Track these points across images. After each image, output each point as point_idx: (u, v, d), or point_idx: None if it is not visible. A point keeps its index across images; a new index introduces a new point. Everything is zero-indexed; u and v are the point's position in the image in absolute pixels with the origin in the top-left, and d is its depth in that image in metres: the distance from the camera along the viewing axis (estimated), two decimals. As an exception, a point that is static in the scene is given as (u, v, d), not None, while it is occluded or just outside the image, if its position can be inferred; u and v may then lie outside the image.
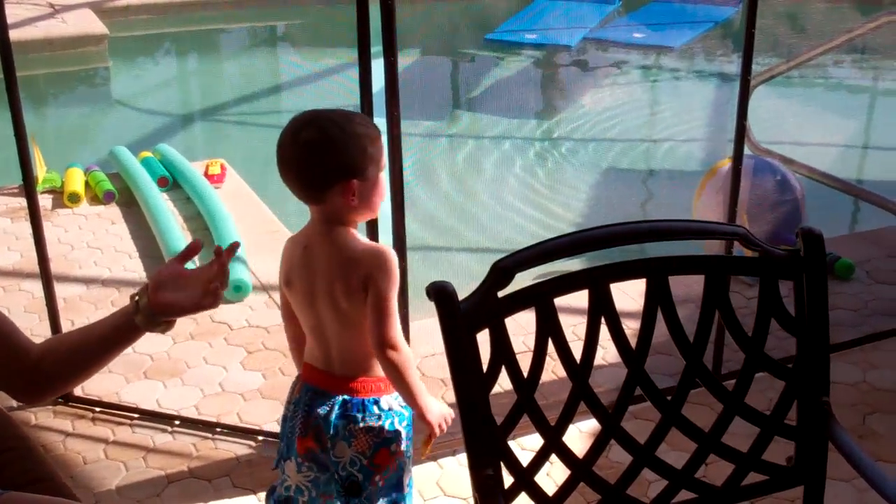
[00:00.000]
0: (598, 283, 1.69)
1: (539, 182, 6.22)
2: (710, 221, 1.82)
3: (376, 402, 2.05)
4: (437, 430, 2.06)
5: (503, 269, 1.62)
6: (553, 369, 3.27)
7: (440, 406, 2.08)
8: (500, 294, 1.64)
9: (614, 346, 1.70)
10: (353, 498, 2.07)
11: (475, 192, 5.91)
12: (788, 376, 1.80)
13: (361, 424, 2.03)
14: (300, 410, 2.07)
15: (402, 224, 2.69)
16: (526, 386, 1.65)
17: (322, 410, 2.04)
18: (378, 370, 2.04)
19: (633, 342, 1.71)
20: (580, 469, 1.71)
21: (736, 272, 1.78)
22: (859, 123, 7.07)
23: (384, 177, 2.01)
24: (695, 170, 6.22)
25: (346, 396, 2.04)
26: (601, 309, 1.69)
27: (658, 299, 1.72)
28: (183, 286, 1.69)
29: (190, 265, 1.75)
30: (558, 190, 6.05)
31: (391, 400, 2.07)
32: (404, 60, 8.92)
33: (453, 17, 10.96)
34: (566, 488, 1.70)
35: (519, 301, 1.64)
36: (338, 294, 1.97)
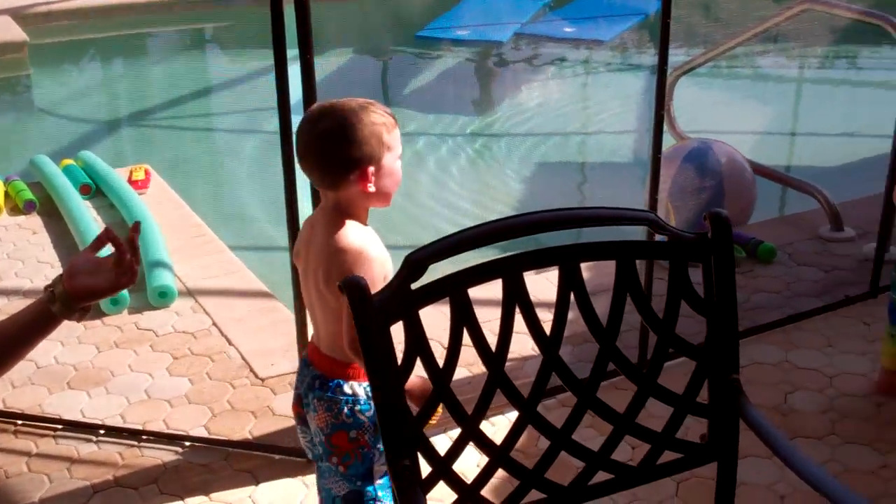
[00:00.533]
0: (511, 271, 1.71)
1: (474, 177, 6.25)
2: (620, 207, 1.84)
3: (339, 385, 2.09)
4: (417, 403, 1.89)
5: (415, 262, 1.63)
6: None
7: (420, 384, 1.96)
8: (414, 286, 1.65)
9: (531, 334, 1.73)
10: (319, 462, 2.20)
11: (409, 190, 5.93)
12: (699, 356, 1.84)
13: (322, 401, 2.10)
14: (297, 378, 2.22)
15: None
16: (442, 376, 1.67)
17: (303, 380, 2.17)
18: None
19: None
20: (499, 456, 1.73)
21: (646, 256, 1.82)
22: (779, 110, 7.21)
23: (399, 165, 2.06)
24: (627, 160, 6.30)
25: (320, 372, 2.12)
26: (515, 297, 1.71)
27: (571, 286, 1.74)
28: (97, 271, 1.70)
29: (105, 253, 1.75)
30: (493, 185, 6.09)
31: (357, 387, 2.10)
32: (336, 60, 8.91)
33: (385, 15, 10.96)
34: (484, 476, 1.72)
35: (433, 293, 1.65)
36: (320, 278, 2.04)
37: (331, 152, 1.98)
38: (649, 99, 5.66)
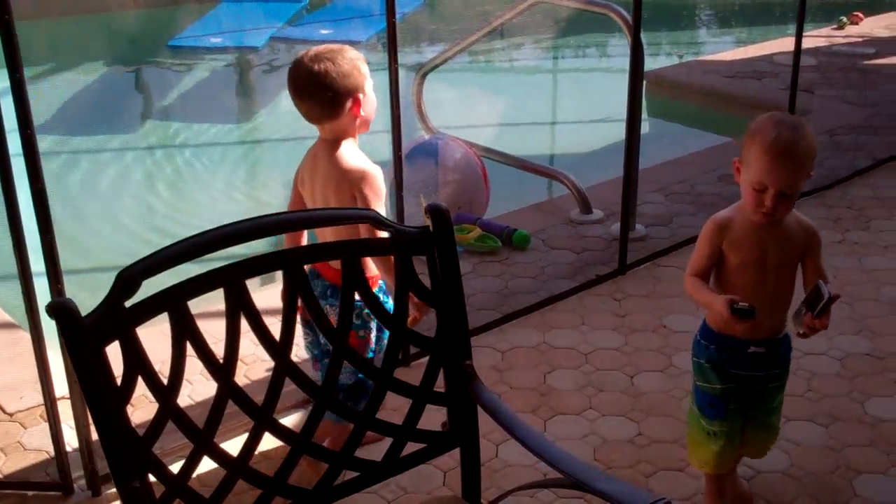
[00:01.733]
0: (232, 280, 1.68)
1: (234, 184, 6.15)
2: (344, 208, 1.86)
3: None
4: (417, 315, 2.30)
5: (127, 279, 1.58)
6: (246, 373, 3.23)
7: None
8: (130, 303, 1.60)
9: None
10: (322, 359, 2.63)
11: (161, 201, 5.79)
12: (431, 346, 1.88)
13: (332, 307, 2.45)
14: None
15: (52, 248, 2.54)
16: (166, 393, 1.62)
17: (314, 289, 2.27)
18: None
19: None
20: (236, 468, 1.70)
21: (370, 253, 1.83)
22: (526, 102, 7.50)
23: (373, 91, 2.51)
24: (379, 159, 6.33)
25: (330, 282, 2.52)
26: (239, 306, 1.69)
27: (297, 288, 1.74)
28: None
29: None
30: (251, 192, 6.01)
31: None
32: (83, 77, 8.50)
33: (134, 26, 10.61)
34: (222, 489, 1.69)
35: (149, 309, 1.61)
36: (329, 197, 2.47)
37: (329, 87, 2.42)
38: (406, 97, 5.78)
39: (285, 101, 8.04)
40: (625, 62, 3.94)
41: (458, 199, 4.27)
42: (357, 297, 2.18)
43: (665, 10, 11.23)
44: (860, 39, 7.67)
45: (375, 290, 2.50)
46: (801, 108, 5.89)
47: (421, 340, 1.87)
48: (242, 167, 6.62)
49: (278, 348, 1.72)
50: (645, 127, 6.90)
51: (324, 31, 9.93)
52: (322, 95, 2.43)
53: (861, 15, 8.20)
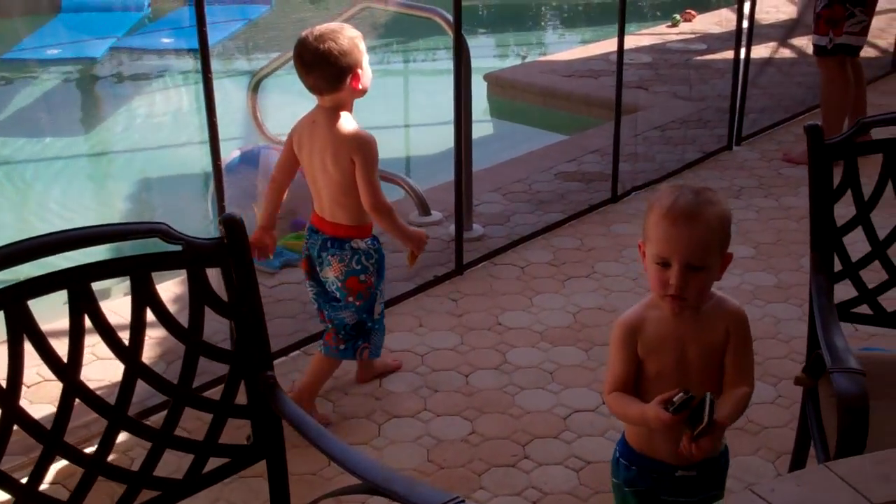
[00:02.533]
0: (13, 301, 1.63)
1: (72, 199, 5.97)
2: (130, 222, 1.81)
3: (348, 242, 2.88)
4: (416, 251, 3.04)
5: None
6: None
7: (419, 234, 3.03)
8: None
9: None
10: (335, 302, 2.97)
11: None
12: (231, 359, 1.85)
13: (334, 256, 2.89)
14: (306, 244, 2.99)
15: None
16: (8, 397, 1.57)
17: (313, 242, 2.94)
18: (356, 220, 2.88)
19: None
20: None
21: (160, 268, 1.78)
22: (362, 107, 7.49)
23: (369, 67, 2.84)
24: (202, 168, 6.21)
25: (329, 235, 2.89)
26: (21, 327, 1.63)
27: (82, 303, 1.69)
28: None
29: None
30: (88, 204, 5.84)
31: (363, 243, 2.91)
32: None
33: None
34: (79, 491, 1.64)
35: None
36: (328, 161, 2.81)
37: (333, 64, 2.73)
38: (242, 106, 5.71)
39: (126, 112, 7.97)
40: (449, 64, 3.97)
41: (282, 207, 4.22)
42: (352, 245, 2.89)
43: (512, 12, 11.42)
44: (693, 36, 7.94)
45: (369, 239, 2.94)
46: (634, 105, 6.09)
47: (219, 353, 1.84)
48: (82, 180, 6.42)
49: (64, 368, 1.67)
50: (487, 128, 7.04)
51: (165, 41, 9.73)
52: (326, 71, 2.75)
53: (694, 12, 8.49)
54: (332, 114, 2.82)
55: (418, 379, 3.33)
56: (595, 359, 3.43)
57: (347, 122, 2.83)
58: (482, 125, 6.91)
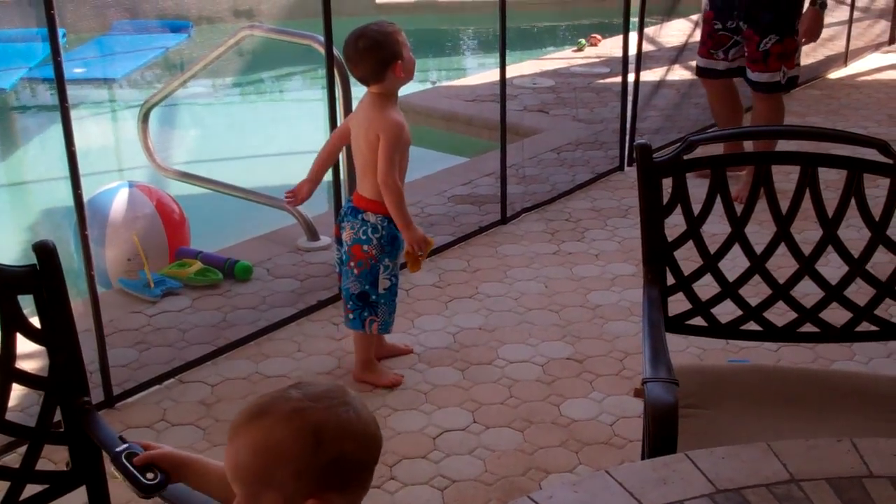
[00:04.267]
0: None
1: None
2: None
3: (362, 213, 3.21)
4: (409, 248, 3.23)
5: None
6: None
7: (418, 234, 3.22)
8: None
9: None
10: (340, 268, 3.34)
11: None
12: (45, 386, 1.86)
13: (348, 222, 3.26)
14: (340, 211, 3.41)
15: None
16: None
17: (345, 211, 3.32)
18: (374, 195, 3.18)
19: None
20: None
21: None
22: (249, 133, 7.60)
23: (411, 55, 3.14)
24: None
25: (353, 205, 3.26)
26: None
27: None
28: None
29: None
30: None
31: (373, 217, 3.21)
32: None
33: None
34: None
35: None
36: (361, 140, 3.16)
37: (374, 58, 3.07)
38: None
39: (38, 141, 7.90)
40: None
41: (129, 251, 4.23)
42: (364, 217, 3.21)
43: (428, 38, 11.53)
44: (597, 60, 8.09)
45: (380, 215, 3.20)
46: (533, 128, 6.19)
47: (33, 380, 1.85)
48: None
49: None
50: (392, 152, 7.08)
51: (77, 70, 9.66)
52: (367, 67, 3.09)
53: (599, 37, 8.65)
54: (376, 98, 3.14)
55: (293, 403, 3.33)
56: (470, 378, 3.48)
57: (382, 107, 3.13)
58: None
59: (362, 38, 3.08)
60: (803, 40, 4.77)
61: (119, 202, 4.22)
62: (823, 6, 4.69)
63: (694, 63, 7.70)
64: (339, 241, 3.35)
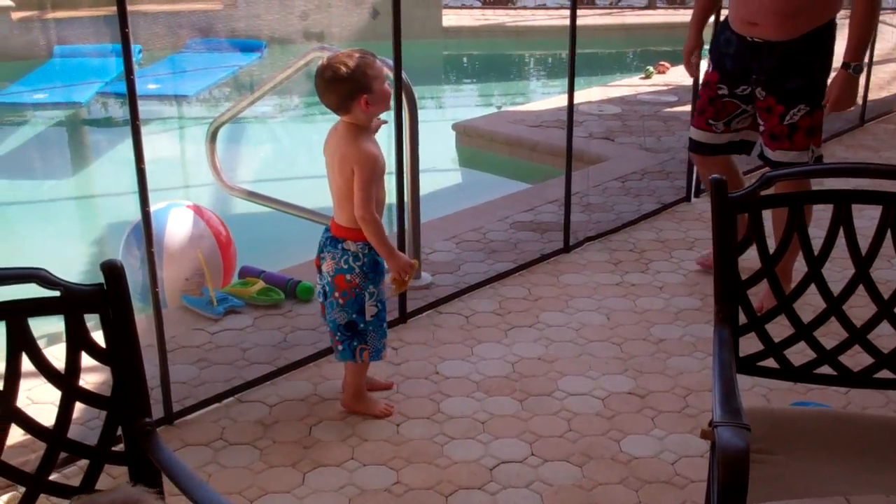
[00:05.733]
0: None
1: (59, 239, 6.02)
2: (9, 267, 1.83)
3: (342, 242, 3.15)
4: (396, 276, 3.20)
5: None
6: None
7: (401, 261, 3.20)
8: None
9: None
10: (325, 300, 3.26)
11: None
12: (108, 405, 1.86)
13: (328, 252, 3.19)
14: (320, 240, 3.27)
15: None
16: None
17: (323, 241, 3.24)
18: (353, 223, 3.11)
19: None
20: None
21: (37, 313, 1.80)
22: (315, 154, 7.60)
23: (386, 85, 3.09)
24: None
25: (331, 235, 3.20)
26: None
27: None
28: None
29: None
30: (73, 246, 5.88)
31: (353, 245, 3.15)
32: None
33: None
34: None
35: None
36: (335, 168, 3.11)
37: (337, 91, 3.01)
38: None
39: (109, 156, 8.04)
40: (427, 114, 4.03)
41: (186, 271, 4.27)
42: (344, 246, 3.15)
43: (494, 63, 11.54)
44: (665, 88, 8.02)
45: (360, 243, 3.15)
46: (598, 156, 6.14)
47: (96, 399, 1.85)
48: (67, 221, 6.48)
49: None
50: (456, 176, 7.10)
51: (151, 86, 9.84)
52: (332, 98, 3.04)
53: (667, 64, 8.57)
54: (349, 127, 3.09)
55: (348, 428, 3.31)
56: (528, 409, 3.43)
57: (358, 136, 3.08)
58: (449, 174, 6.98)
59: (328, 69, 3.02)
60: (828, 110, 3.81)
61: (172, 222, 4.26)
62: (858, 70, 3.70)
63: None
64: (319, 271, 3.30)
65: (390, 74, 3.73)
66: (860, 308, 2.44)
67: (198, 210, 4.43)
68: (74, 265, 5.17)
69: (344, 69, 2.99)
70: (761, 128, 3.92)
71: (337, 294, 3.19)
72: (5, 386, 1.75)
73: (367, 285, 3.20)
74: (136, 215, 3.97)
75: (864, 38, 3.62)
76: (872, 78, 7.00)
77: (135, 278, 3.94)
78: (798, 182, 3.57)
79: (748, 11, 3.74)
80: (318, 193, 6.27)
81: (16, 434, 1.78)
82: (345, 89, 3.00)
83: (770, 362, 2.44)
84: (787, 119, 3.80)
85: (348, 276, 3.17)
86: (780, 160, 3.85)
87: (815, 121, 3.81)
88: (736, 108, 4.01)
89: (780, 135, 3.83)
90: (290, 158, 7.75)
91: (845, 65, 3.68)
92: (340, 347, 3.26)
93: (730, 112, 4.02)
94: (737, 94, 3.96)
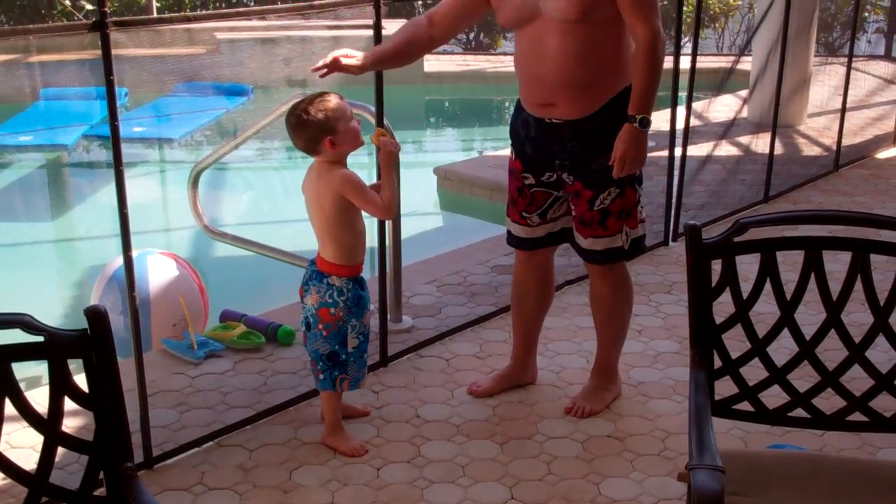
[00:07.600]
0: None
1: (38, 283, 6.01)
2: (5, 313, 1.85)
3: (327, 277, 3.28)
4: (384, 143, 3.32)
5: None
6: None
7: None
8: None
9: None
10: (308, 331, 3.37)
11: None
12: (90, 450, 1.87)
13: (313, 286, 3.32)
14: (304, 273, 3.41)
15: None
16: None
17: (308, 274, 3.36)
18: (338, 259, 3.28)
19: None
20: None
21: (21, 358, 1.82)
22: (296, 198, 7.68)
23: (354, 123, 3.21)
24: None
25: (316, 268, 3.33)
26: None
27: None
28: None
29: None
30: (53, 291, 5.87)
31: (338, 280, 3.28)
32: None
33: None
34: None
35: None
36: (316, 207, 3.26)
37: (302, 136, 3.16)
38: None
39: (92, 200, 8.06)
40: (409, 158, 4.08)
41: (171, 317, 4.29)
42: (329, 281, 3.28)
43: (475, 107, 11.64)
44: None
45: (345, 278, 3.29)
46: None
47: (79, 444, 1.86)
48: (49, 265, 6.48)
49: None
50: (437, 220, 7.14)
51: (136, 129, 9.88)
52: (299, 143, 3.19)
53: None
54: (323, 165, 3.23)
55: (328, 472, 3.32)
56: (508, 453, 3.44)
57: (332, 171, 3.21)
58: (430, 218, 7.03)
59: (292, 116, 3.17)
60: (615, 171, 3.27)
61: (152, 268, 4.30)
62: (644, 124, 3.21)
63: (746, 138, 7.67)
64: (302, 301, 3.41)
65: (365, 114, 3.79)
66: (835, 351, 2.48)
67: (173, 257, 4.47)
68: (54, 308, 5.17)
69: (304, 115, 3.13)
70: (573, 212, 3.53)
71: (321, 326, 3.30)
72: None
73: (350, 318, 3.31)
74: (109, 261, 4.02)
75: (646, 87, 3.16)
76: (846, 124, 7.11)
77: (116, 325, 3.95)
78: (612, 268, 3.59)
79: (540, 93, 3.34)
80: (299, 236, 6.35)
81: (-3, 479, 1.80)
82: (308, 134, 3.14)
83: (745, 405, 2.47)
84: (597, 204, 3.41)
85: (332, 310, 3.29)
86: (591, 248, 3.50)
87: (627, 202, 3.45)
88: (546, 197, 3.55)
89: (590, 221, 3.45)
90: (273, 202, 7.81)
91: (630, 118, 3.19)
92: (322, 377, 3.36)
93: (540, 204, 3.56)
94: (544, 183, 3.51)
